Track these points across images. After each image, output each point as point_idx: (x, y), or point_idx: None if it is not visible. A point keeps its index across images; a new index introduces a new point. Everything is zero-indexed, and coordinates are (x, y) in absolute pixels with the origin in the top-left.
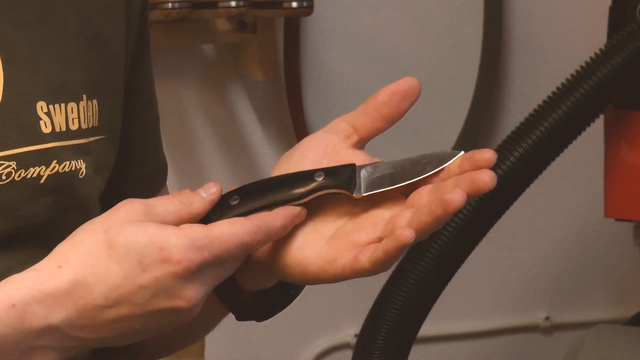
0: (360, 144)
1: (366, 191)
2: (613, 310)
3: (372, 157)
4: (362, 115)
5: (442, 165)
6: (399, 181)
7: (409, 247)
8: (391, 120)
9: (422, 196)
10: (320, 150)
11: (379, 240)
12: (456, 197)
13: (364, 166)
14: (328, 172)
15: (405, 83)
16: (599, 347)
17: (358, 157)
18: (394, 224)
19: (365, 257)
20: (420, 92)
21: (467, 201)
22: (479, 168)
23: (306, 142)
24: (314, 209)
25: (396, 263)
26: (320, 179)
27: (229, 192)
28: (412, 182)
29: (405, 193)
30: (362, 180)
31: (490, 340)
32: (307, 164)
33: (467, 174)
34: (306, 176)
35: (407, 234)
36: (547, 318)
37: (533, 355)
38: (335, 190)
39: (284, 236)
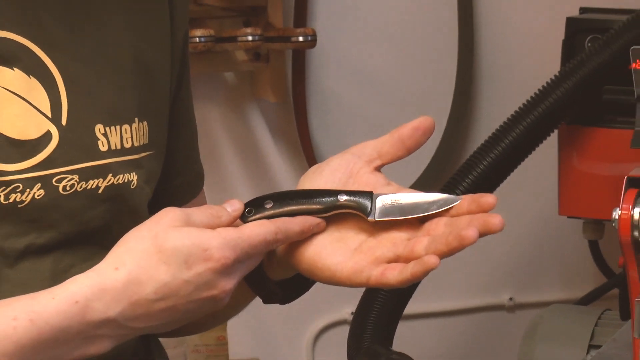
0: (380, 167)
1: (379, 217)
2: (565, 292)
3: (388, 180)
4: (388, 144)
5: (444, 207)
6: (406, 214)
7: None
8: (411, 151)
9: (439, 227)
10: (347, 171)
11: (398, 258)
12: (471, 234)
13: (380, 195)
14: (350, 194)
15: (426, 121)
16: (554, 322)
17: (378, 180)
18: (413, 247)
19: (393, 275)
20: (433, 129)
21: (476, 240)
22: (485, 210)
23: (336, 161)
24: (339, 220)
25: None
26: (342, 200)
27: (264, 196)
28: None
29: (417, 220)
30: (377, 208)
31: (463, 317)
32: (335, 182)
33: (480, 216)
34: (331, 194)
35: (433, 260)
36: (511, 299)
37: (499, 330)
38: (354, 211)
39: (318, 245)
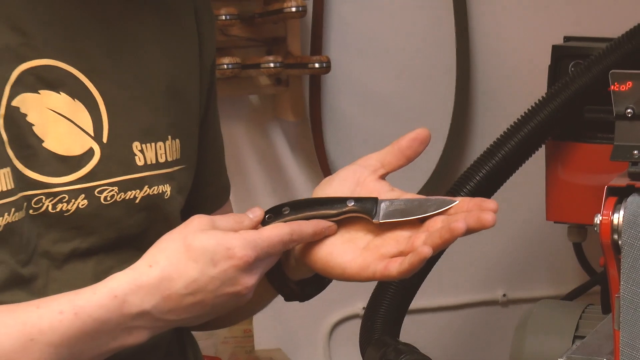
0: (384, 176)
1: (382, 219)
2: (553, 289)
3: (392, 187)
4: (389, 155)
5: (441, 209)
6: (407, 215)
7: (426, 261)
8: (410, 159)
9: (437, 223)
10: (355, 180)
11: (401, 253)
12: (460, 225)
13: (384, 200)
14: (357, 200)
15: (422, 132)
16: (543, 316)
17: (382, 187)
18: (413, 242)
19: (394, 267)
20: (429, 140)
21: (468, 232)
22: (484, 210)
23: (344, 172)
24: (349, 223)
25: None
26: (350, 205)
27: (282, 204)
28: (418, 218)
29: (419, 220)
30: (381, 211)
31: (461, 312)
32: (344, 190)
33: (474, 212)
34: (341, 201)
35: (426, 250)
36: (504, 295)
37: (494, 323)
38: (360, 214)
39: (330, 245)
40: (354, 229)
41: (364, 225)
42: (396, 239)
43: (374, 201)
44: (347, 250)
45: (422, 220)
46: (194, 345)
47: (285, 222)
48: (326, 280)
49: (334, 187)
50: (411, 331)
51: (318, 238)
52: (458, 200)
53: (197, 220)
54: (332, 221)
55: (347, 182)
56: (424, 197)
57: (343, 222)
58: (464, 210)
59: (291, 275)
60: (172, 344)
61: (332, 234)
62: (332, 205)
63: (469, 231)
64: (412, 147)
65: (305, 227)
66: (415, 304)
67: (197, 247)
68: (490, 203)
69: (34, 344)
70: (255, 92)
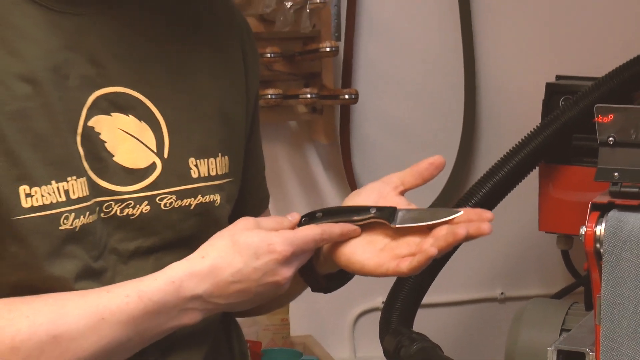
0: (403, 192)
1: (399, 224)
2: (544, 289)
3: (409, 202)
4: (409, 175)
5: (447, 218)
6: (420, 222)
7: (432, 260)
8: (426, 180)
9: (442, 230)
10: (378, 194)
11: (411, 255)
12: (461, 232)
13: (401, 209)
14: (378, 208)
15: (438, 159)
16: (535, 312)
17: (400, 201)
18: (422, 245)
19: (405, 265)
20: (444, 166)
21: (469, 239)
22: (483, 220)
23: (370, 186)
24: (371, 228)
25: None
26: (372, 212)
27: (316, 210)
28: (428, 225)
29: (428, 229)
30: (398, 218)
31: (463, 307)
32: (369, 202)
33: (475, 222)
34: (365, 208)
35: (432, 250)
36: (502, 293)
37: (492, 318)
38: (380, 220)
39: (353, 246)
40: (374, 233)
41: (383, 230)
42: (408, 243)
43: (393, 209)
44: (367, 250)
45: (431, 229)
46: (238, 331)
47: (318, 223)
48: (348, 277)
49: (361, 198)
50: (421, 323)
51: (344, 239)
52: (462, 211)
53: (243, 221)
54: (357, 225)
55: (372, 195)
56: (435, 209)
57: (366, 227)
58: (467, 219)
59: (319, 270)
60: (220, 329)
61: (356, 236)
62: (357, 212)
63: (469, 237)
64: (429, 170)
65: (334, 228)
66: (425, 300)
67: (242, 242)
68: (487, 214)
69: (104, 323)
70: (294, 118)
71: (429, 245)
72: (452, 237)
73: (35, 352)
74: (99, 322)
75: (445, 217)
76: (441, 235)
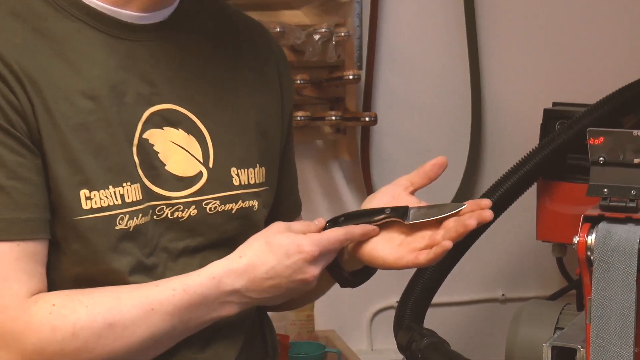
0: (413, 192)
1: (412, 220)
2: (540, 291)
3: (419, 200)
4: (416, 176)
5: (454, 211)
6: (430, 217)
7: (447, 252)
8: (432, 180)
9: (450, 222)
10: (391, 195)
11: (426, 247)
12: (472, 222)
13: (413, 208)
14: (393, 209)
15: (441, 159)
16: (532, 311)
17: (411, 199)
18: (434, 238)
19: (423, 257)
20: (447, 165)
21: (476, 227)
22: (483, 209)
23: (384, 189)
24: (388, 227)
25: None
26: (387, 212)
27: (339, 215)
28: (437, 219)
29: (438, 223)
30: (410, 215)
31: (468, 307)
32: (384, 203)
33: (477, 212)
34: (381, 210)
35: (448, 243)
36: (503, 294)
37: (494, 317)
38: (395, 219)
39: (373, 243)
40: (391, 231)
41: (398, 227)
42: (422, 237)
43: (405, 208)
44: (387, 246)
45: (440, 222)
46: (269, 324)
47: (341, 226)
48: (371, 272)
49: (376, 200)
50: (430, 321)
51: (365, 238)
52: (466, 204)
53: (276, 225)
54: (375, 225)
55: (386, 196)
56: (442, 204)
57: (383, 226)
58: (469, 210)
59: (345, 267)
60: (253, 321)
61: (375, 234)
62: (374, 213)
63: (477, 225)
64: (433, 170)
65: (356, 229)
66: (434, 300)
67: (275, 243)
68: (485, 201)
69: (154, 313)
70: (321, 138)
71: (442, 237)
72: (462, 227)
73: (93, 338)
74: (149, 312)
75: (451, 210)
76: (451, 227)
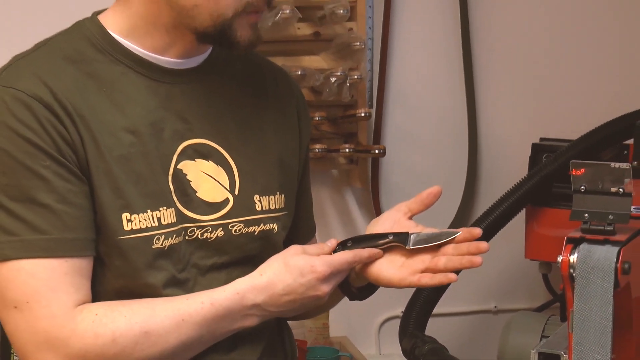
0: (411, 217)
1: (412, 246)
2: (528, 304)
3: (416, 223)
4: (414, 203)
5: (449, 237)
6: (428, 243)
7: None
8: (428, 207)
9: (448, 250)
10: (392, 220)
11: (426, 269)
12: (477, 260)
13: (413, 233)
14: (395, 234)
15: (436, 189)
16: (521, 321)
17: (410, 224)
18: (436, 263)
19: (426, 280)
20: (441, 194)
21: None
22: (474, 237)
23: (385, 214)
24: (390, 250)
25: None
26: (390, 237)
27: (347, 239)
28: (436, 245)
29: (436, 246)
30: (410, 241)
31: (464, 317)
32: (386, 227)
33: (474, 243)
34: (385, 235)
35: (454, 276)
36: (495, 306)
37: (487, 327)
38: (397, 243)
39: (379, 265)
40: (393, 254)
41: (400, 250)
42: (422, 260)
43: (406, 234)
44: (390, 268)
45: (438, 246)
46: (289, 331)
47: (350, 249)
48: (374, 288)
49: (379, 224)
50: (431, 330)
51: (370, 260)
52: (460, 232)
53: (293, 248)
54: (379, 249)
55: (388, 221)
56: (439, 231)
57: (386, 249)
58: (462, 238)
59: (354, 284)
60: (275, 330)
61: (380, 257)
62: (379, 238)
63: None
64: (429, 198)
65: (363, 253)
66: (434, 311)
67: (291, 264)
68: (476, 230)
69: (184, 323)
70: (336, 167)
71: (443, 265)
72: (469, 262)
73: (131, 344)
74: (180, 322)
75: (447, 237)
76: (453, 257)
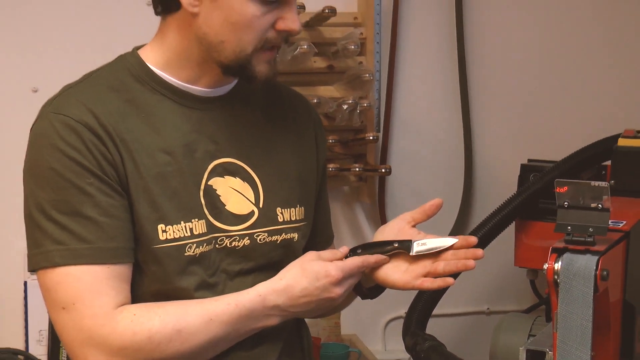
0: (414, 225)
1: (415, 253)
2: (517, 306)
3: (419, 231)
4: (417, 214)
5: (448, 244)
6: (429, 250)
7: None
8: (429, 217)
9: (447, 255)
10: (397, 229)
11: (427, 274)
12: (471, 263)
13: (416, 241)
14: (400, 242)
15: (437, 201)
16: (511, 322)
17: (413, 232)
18: (436, 268)
19: (427, 284)
20: (442, 206)
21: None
22: (470, 244)
23: (391, 223)
24: (396, 256)
25: None
26: (395, 245)
27: (357, 246)
28: (435, 251)
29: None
30: (414, 248)
31: (459, 318)
32: (391, 234)
33: (470, 250)
34: (390, 242)
35: (451, 280)
36: (488, 308)
37: (480, 327)
38: (401, 250)
39: (385, 269)
40: (398, 259)
41: (403, 256)
42: (424, 265)
43: (410, 242)
44: (395, 272)
45: (438, 253)
46: (306, 328)
47: (359, 256)
48: (383, 288)
49: (385, 232)
50: (429, 329)
51: (378, 265)
52: (457, 239)
53: (309, 254)
54: (386, 255)
55: (393, 229)
56: (439, 238)
57: (392, 255)
58: (459, 245)
59: (364, 285)
60: (293, 328)
61: (386, 263)
62: (385, 245)
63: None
64: (431, 209)
65: (371, 259)
66: (433, 312)
67: (308, 269)
68: (472, 238)
69: (212, 322)
70: (347, 185)
71: (442, 269)
72: (464, 266)
73: (165, 341)
74: (209, 321)
75: (446, 244)
76: (451, 262)
